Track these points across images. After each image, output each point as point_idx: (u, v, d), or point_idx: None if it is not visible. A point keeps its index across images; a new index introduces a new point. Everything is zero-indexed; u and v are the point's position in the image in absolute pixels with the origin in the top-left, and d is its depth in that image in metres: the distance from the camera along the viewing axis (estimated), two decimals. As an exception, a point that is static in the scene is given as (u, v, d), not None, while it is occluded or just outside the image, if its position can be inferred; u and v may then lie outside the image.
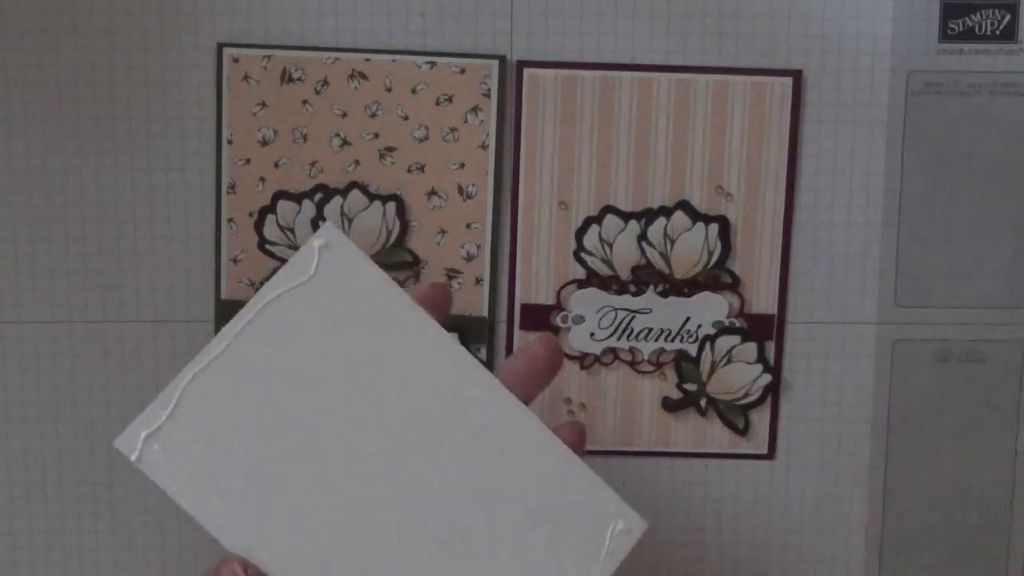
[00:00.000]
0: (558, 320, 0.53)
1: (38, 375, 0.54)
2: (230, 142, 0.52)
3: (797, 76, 0.52)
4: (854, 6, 0.51)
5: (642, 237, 0.53)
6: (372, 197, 0.52)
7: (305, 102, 0.52)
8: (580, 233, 0.53)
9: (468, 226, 0.53)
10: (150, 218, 0.53)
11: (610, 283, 0.53)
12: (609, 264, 0.53)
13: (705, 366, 0.53)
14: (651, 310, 0.53)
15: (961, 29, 0.51)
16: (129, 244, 0.53)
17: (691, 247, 0.53)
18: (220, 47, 0.52)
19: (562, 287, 0.53)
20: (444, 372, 0.39)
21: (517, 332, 0.53)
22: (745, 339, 0.53)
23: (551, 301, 0.53)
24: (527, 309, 0.53)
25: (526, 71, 0.52)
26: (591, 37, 0.52)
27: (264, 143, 0.52)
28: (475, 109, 0.52)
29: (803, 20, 0.52)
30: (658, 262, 0.53)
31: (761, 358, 0.53)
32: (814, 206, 0.53)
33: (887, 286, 0.53)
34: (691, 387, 0.54)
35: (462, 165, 0.52)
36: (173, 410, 0.39)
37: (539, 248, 0.53)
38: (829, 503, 0.55)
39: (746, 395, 0.54)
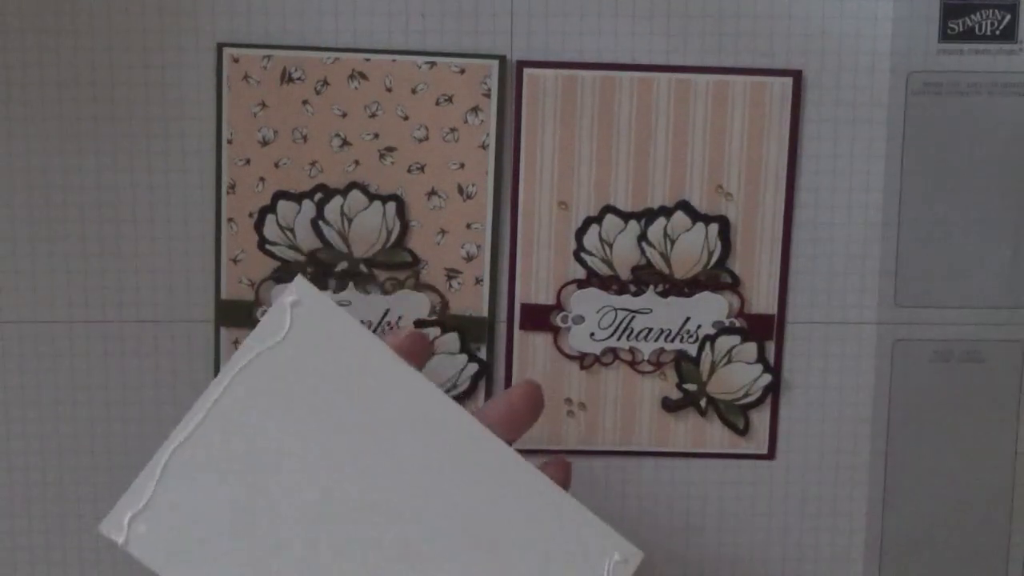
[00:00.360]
0: (558, 320, 0.53)
1: (38, 375, 0.54)
2: (230, 142, 0.52)
3: (797, 76, 0.52)
4: (854, 6, 0.51)
5: (642, 237, 0.53)
6: (372, 197, 0.52)
7: (305, 102, 0.52)
8: (580, 233, 0.53)
9: (468, 226, 0.53)
10: (150, 218, 0.53)
11: (610, 283, 0.53)
12: (609, 264, 0.53)
13: (705, 366, 0.53)
14: (651, 310, 0.53)
15: (961, 29, 0.51)
16: (129, 244, 0.53)
17: (691, 247, 0.53)
18: (220, 47, 0.52)
19: (562, 287, 0.53)
20: (429, 421, 0.39)
21: (517, 332, 0.53)
22: (745, 339, 0.53)
23: (551, 301, 0.53)
24: (527, 309, 0.53)
25: (526, 71, 0.52)
26: (591, 37, 0.52)
27: (264, 143, 0.52)
28: (475, 109, 0.52)
29: (803, 20, 0.52)
30: (658, 262, 0.53)
31: (761, 358, 0.53)
32: (814, 206, 0.53)
33: (887, 286, 0.53)
34: (691, 387, 0.54)
35: (462, 165, 0.52)
36: (156, 487, 0.38)
37: (539, 248, 0.53)
38: (829, 503, 0.55)
39: (746, 395, 0.54)
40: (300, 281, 0.39)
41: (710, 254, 0.53)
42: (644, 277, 0.53)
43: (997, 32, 0.51)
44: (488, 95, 0.52)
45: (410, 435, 0.39)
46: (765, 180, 0.52)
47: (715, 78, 0.52)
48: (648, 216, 0.52)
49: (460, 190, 0.53)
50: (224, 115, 0.52)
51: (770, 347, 0.53)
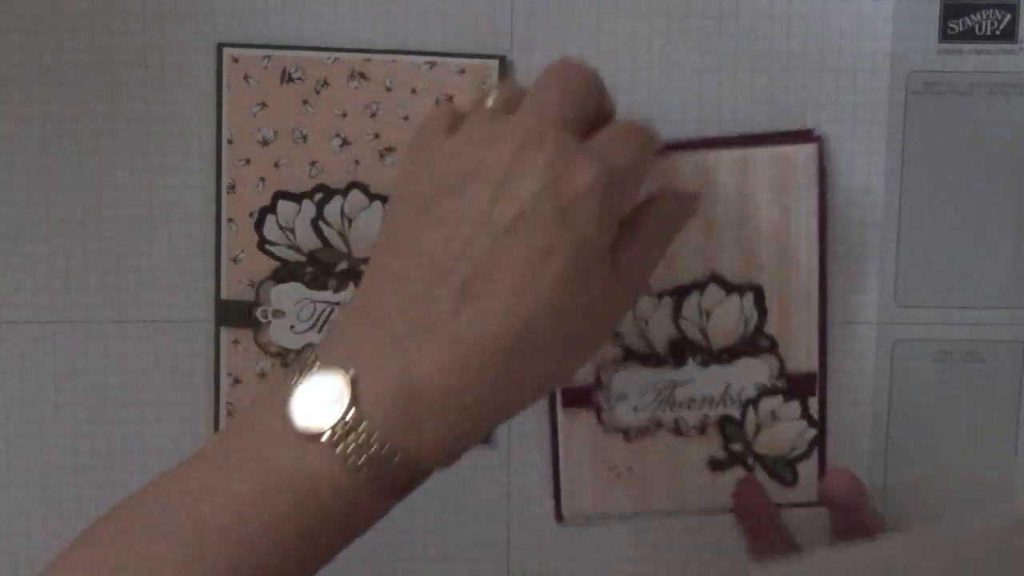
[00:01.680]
0: (600, 399, 0.52)
1: (38, 375, 0.54)
2: (230, 142, 0.52)
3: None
4: (854, 6, 0.51)
5: (677, 313, 0.52)
6: (372, 197, 0.52)
7: (305, 102, 0.52)
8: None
9: (468, 226, 0.53)
10: (150, 218, 0.53)
11: (649, 359, 0.52)
12: (647, 342, 0.52)
13: (750, 427, 0.52)
14: (692, 380, 0.52)
15: (961, 29, 0.51)
16: (129, 244, 0.53)
17: (727, 317, 0.52)
18: (220, 47, 0.52)
19: (600, 366, 0.52)
20: None
21: (560, 411, 0.53)
22: (788, 398, 0.52)
23: (591, 380, 0.52)
24: (568, 392, 0.52)
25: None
26: (591, 37, 0.52)
27: (264, 143, 0.52)
28: (475, 109, 0.52)
29: (803, 20, 0.52)
30: (695, 335, 0.52)
31: (805, 414, 0.53)
32: (814, 206, 0.53)
33: (887, 286, 0.53)
34: (737, 447, 0.53)
35: (462, 165, 0.52)
36: None
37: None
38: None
39: (792, 450, 0.53)
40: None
41: (746, 322, 0.52)
42: (682, 350, 0.52)
43: (997, 32, 0.51)
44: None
45: None
46: (796, 242, 0.51)
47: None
48: (680, 292, 0.52)
49: (460, 190, 0.52)
50: (224, 115, 0.52)
51: (813, 402, 0.53)
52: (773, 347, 0.52)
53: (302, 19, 0.52)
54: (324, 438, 0.37)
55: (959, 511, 0.54)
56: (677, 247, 0.50)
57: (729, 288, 0.52)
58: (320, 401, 0.37)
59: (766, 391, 0.52)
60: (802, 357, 0.52)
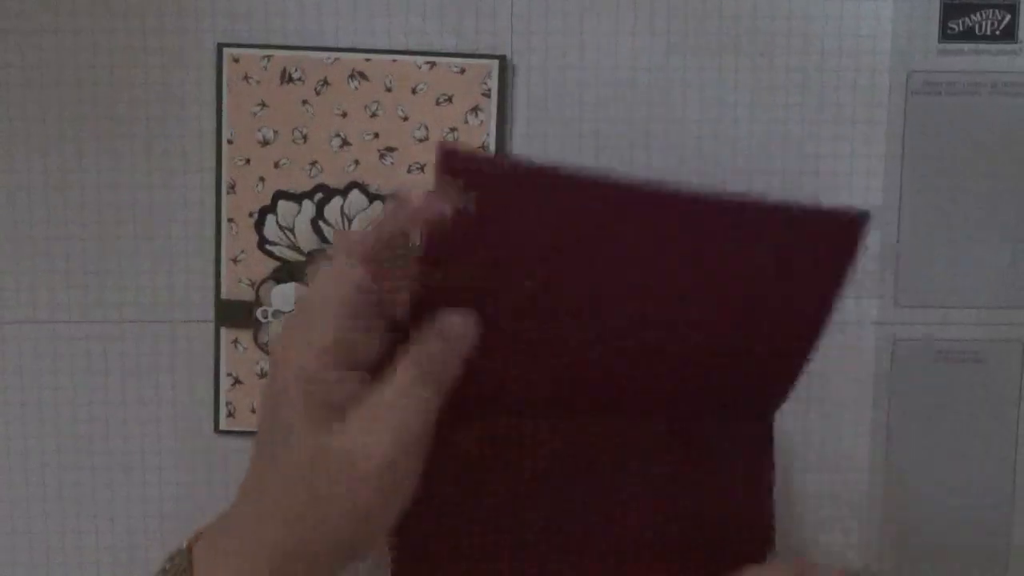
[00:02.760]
0: None
1: (38, 375, 0.54)
2: (230, 142, 0.52)
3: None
4: (854, 6, 0.51)
5: None
6: (372, 197, 0.52)
7: (305, 102, 0.52)
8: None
9: (468, 226, 0.53)
10: (150, 218, 0.53)
11: None
12: None
13: None
14: None
15: (961, 29, 0.51)
16: (129, 244, 0.53)
17: None
18: (220, 47, 0.52)
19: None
20: None
21: None
22: None
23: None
24: None
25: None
26: (591, 36, 0.52)
27: (264, 143, 0.52)
28: (475, 109, 0.52)
29: (803, 20, 0.52)
30: None
31: None
32: (814, 206, 0.53)
33: (887, 286, 0.53)
34: None
35: (462, 165, 0.52)
36: None
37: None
38: (829, 503, 0.55)
39: None
40: None
41: None
42: None
43: (997, 32, 0.51)
44: (488, 95, 0.52)
45: None
46: None
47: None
48: None
49: (460, 190, 0.53)
50: (224, 115, 0.52)
51: None
52: None
53: (302, 19, 0.52)
54: None
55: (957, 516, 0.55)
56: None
57: None
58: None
59: None
60: None
